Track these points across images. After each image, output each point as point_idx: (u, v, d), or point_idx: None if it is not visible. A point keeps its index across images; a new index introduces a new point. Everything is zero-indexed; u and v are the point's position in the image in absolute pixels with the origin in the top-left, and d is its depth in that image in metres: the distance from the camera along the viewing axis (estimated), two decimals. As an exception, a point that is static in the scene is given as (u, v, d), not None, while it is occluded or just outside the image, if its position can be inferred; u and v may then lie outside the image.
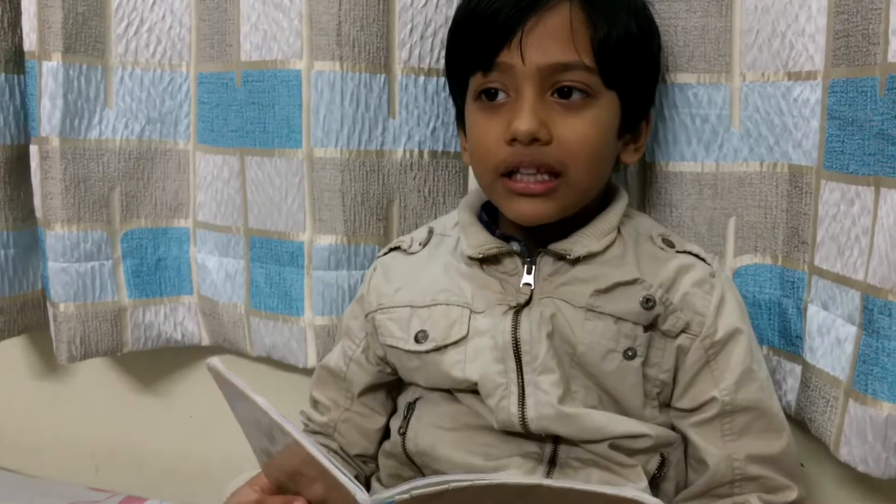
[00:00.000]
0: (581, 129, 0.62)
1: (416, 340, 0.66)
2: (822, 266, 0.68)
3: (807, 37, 0.69)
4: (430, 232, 0.73)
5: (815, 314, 0.69)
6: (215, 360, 0.55)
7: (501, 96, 0.64)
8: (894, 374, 0.61)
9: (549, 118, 0.62)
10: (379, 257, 0.75)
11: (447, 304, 0.66)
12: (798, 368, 0.72)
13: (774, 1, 0.70)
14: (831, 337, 0.67)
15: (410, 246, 0.73)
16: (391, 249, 0.74)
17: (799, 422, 0.71)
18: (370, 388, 0.73)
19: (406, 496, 0.46)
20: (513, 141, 0.62)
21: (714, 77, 0.73)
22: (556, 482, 0.46)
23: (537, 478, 0.46)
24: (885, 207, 0.61)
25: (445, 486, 0.46)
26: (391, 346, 0.68)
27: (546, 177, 0.63)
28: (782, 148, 0.72)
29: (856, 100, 0.64)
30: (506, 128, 0.62)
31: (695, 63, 0.73)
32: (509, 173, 0.64)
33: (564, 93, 0.62)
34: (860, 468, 0.64)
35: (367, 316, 0.71)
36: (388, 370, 0.72)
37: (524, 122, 0.61)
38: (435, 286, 0.67)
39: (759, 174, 0.73)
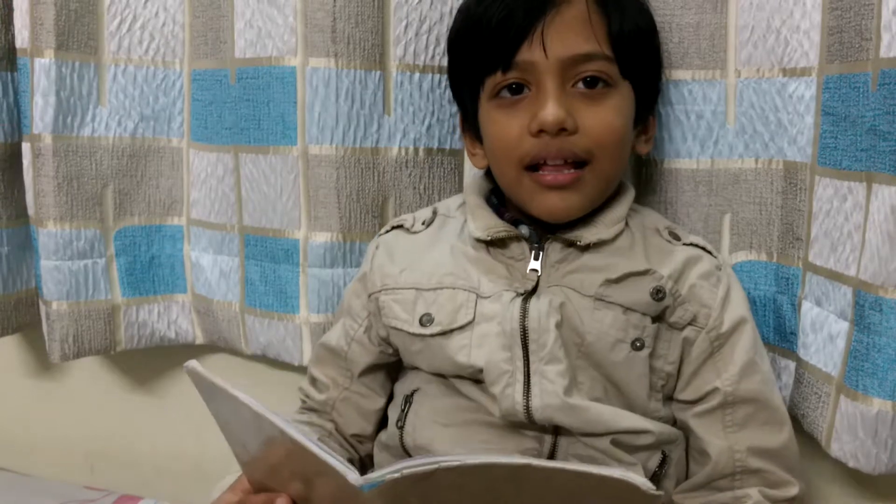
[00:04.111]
0: (605, 116, 0.63)
1: (421, 324, 0.65)
2: (816, 262, 0.68)
3: (801, 33, 0.69)
4: (434, 212, 0.72)
5: (808, 310, 0.69)
6: (193, 363, 0.55)
7: (522, 91, 0.64)
8: (885, 369, 0.61)
9: (572, 108, 0.62)
10: (380, 235, 0.74)
11: (453, 288, 0.65)
12: (792, 365, 0.72)
13: (769, -3, 0.70)
14: (824, 333, 0.67)
15: (413, 225, 0.72)
16: (393, 228, 0.73)
17: (793, 418, 0.71)
18: (371, 369, 0.72)
19: (397, 475, 0.46)
20: (539, 133, 0.62)
21: (709, 73, 0.73)
22: (546, 462, 0.46)
23: (526, 458, 0.46)
24: (876, 203, 0.61)
25: (436, 466, 0.46)
26: (395, 328, 0.68)
27: (572, 169, 0.63)
28: (777, 144, 0.72)
29: (849, 95, 0.64)
30: (529, 121, 0.63)
31: (690, 60, 0.73)
32: (534, 167, 0.64)
33: (587, 83, 0.63)
34: (851, 464, 0.65)
35: (370, 296, 0.70)
36: (390, 351, 0.71)
37: (551, 112, 0.61)
38: (441, 269, 0.67)
39: (754, 171, 0.73)
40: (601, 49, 0.63)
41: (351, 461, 0.65)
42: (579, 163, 0.63)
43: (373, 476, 0.47)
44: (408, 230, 0.72)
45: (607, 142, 0.63)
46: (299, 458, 0.52)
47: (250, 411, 0.52)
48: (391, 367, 0.73)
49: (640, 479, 0.44)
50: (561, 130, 0.62)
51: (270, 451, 0.55)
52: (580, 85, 0.63)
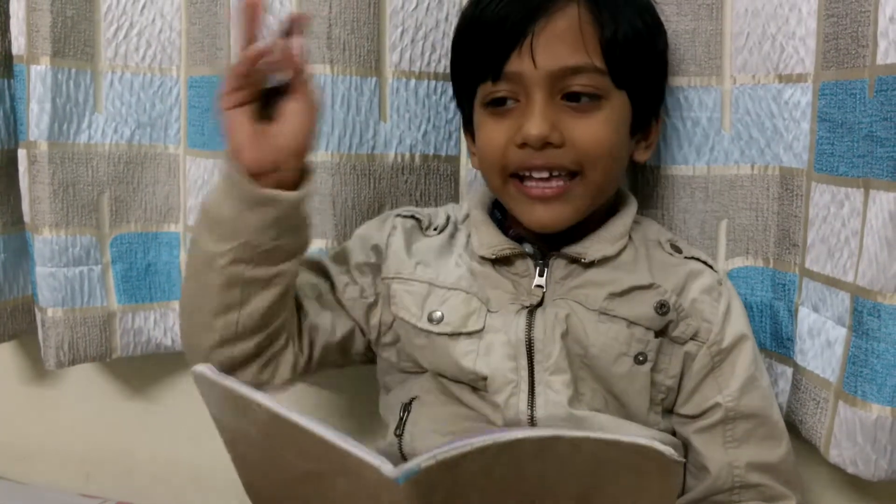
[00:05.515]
0: (594, 129, 0.62)
1: (430, 320, 0.65)
2: (813, 268, 0.68)
3: (797, 39, 0.69)
4: (448, 220, 0.71)
5: (805, 316, 0.69)
6: (202, 367, 0.54)
7: (510, 103, 0.64)
8: (883, 375, 0.61)
9: (560, 121, 0.62)
10: (398, 215, 0.71)
11: (467, 293, 0.65)
12: (789, 371, 0.72)
13: (765, 4, 0.70)
14: (822, 339, 0.67)
15: (427, 227, 0.71)
16: (409, 216, 0.71)
17: (790, 424, 0.71)
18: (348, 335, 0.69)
19: (432, 462, 0.46)
20: (524, 145, 0.62)
21: (705, 80, 0.73)
22: (574, 432, 0.46)
23: (555, 430, 0.47)
24: (874, 209, 0.61)
25: (469, 448, 0.46)
26: (402, 319, 0.67)
27: (560, 182, 0.63)
28: (773, 150, 0.72)
29: (845, 102, 0.64)
30: (516, 131, 0.62)
31: (685, 66, 0.73)
32: (521, 177, 0.64)
33: (574, 96, 0.62)
34: (850, 470, 0.65)
35: (382, 279, 0.68)
36: (370, 339, 0.69)
37: (535, 127, 0.61)
38: (454, 274, 0.66)
39: (750, 177, 0.73)
40: (591, 61, 0.61)
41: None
42: (571, 173, 0.63)
43: (408, 466, 0.46)
44: (422, 230, 0.71)
45: (595, 154, 0.62)
46: (320, 456, 0.50)
47: (267, 412, 0.50)
48: (354, 352, 0.70)
49: (665, 447, 0.45)
50: (546, 144, 0.61)
51: (283, 456, 0.54)
52: (567, 98, 0.62)
